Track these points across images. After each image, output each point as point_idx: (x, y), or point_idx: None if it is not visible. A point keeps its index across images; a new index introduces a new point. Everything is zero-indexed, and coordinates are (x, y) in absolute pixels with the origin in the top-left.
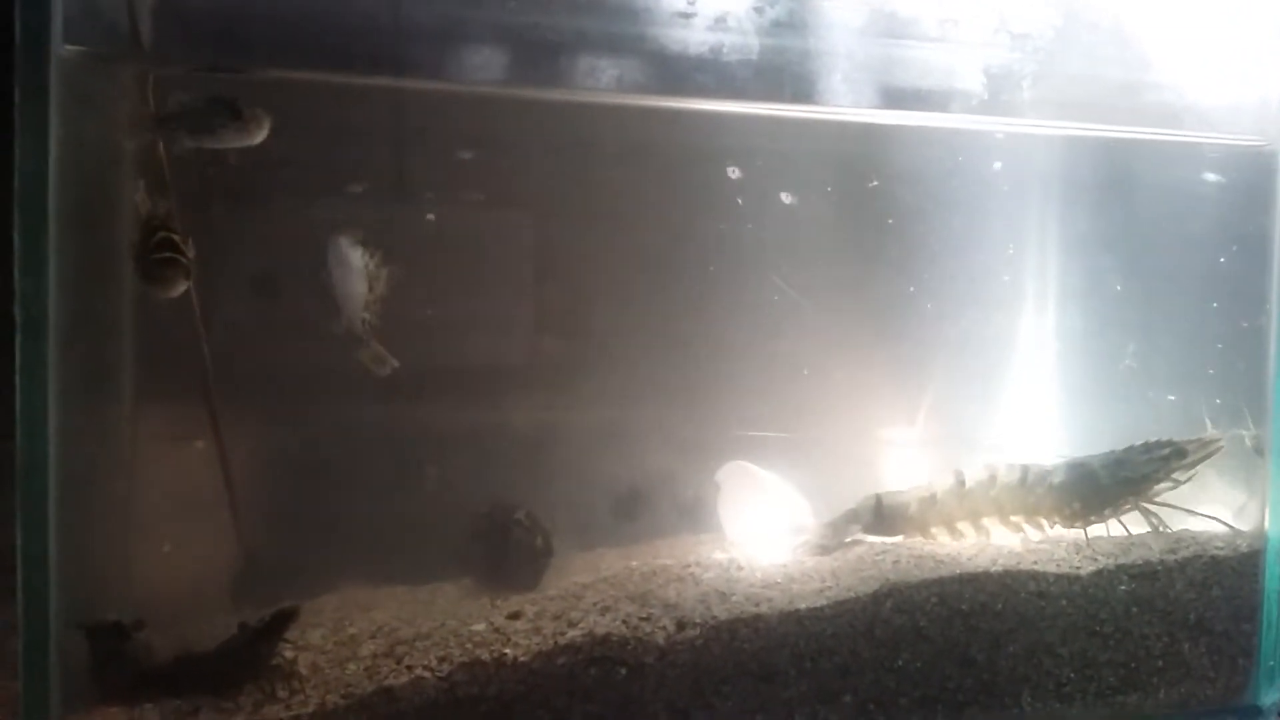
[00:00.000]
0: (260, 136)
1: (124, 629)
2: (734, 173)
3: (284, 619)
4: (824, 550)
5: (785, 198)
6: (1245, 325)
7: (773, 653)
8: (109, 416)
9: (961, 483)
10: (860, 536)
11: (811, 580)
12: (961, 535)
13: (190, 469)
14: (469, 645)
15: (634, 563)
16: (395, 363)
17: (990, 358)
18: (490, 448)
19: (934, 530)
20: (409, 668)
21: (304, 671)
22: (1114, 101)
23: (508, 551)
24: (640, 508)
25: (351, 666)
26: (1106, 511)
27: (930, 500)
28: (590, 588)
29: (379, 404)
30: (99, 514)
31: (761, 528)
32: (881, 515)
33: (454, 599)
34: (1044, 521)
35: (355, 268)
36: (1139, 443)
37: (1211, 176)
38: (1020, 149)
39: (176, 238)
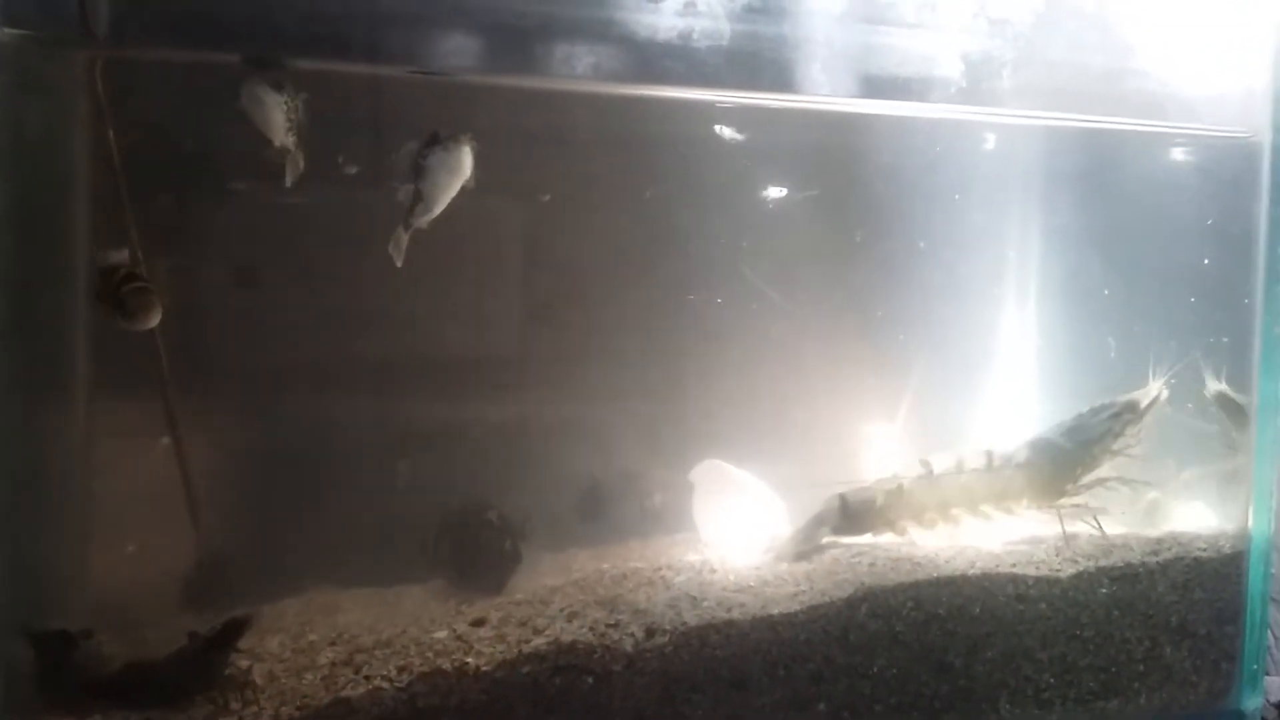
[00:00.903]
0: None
1: (71, 638)
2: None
3: (236, 628)
4: (797, 559)
5: (763, 189)
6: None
7: (745, 659)
8: (59, 413)
9: (929, 472)
10: (833, 539)
11: (785, 584)
12: (932, 526)
13: (147, 467)
14: (430, 654)
15: (605, 565)
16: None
17: (971, 352)
18: (460, 443)
19: (903, 524)
20: (367, 678)
21: (259, 681)
22: (1096, 89)
23: (475, 554)
24: (601, 508)
25: (309, 676)
26: (1078, 473)
27: (897, 492)
28: (558, 592)
29: (347, 397)
30: (47, 515)
31: (736, 529)
32: (848, 514)
33: (420, 602)
34: (1015, 505)
35: (271, 102)
36: (1086, 408)
37: (1194, 167)
38: (1001, 139)
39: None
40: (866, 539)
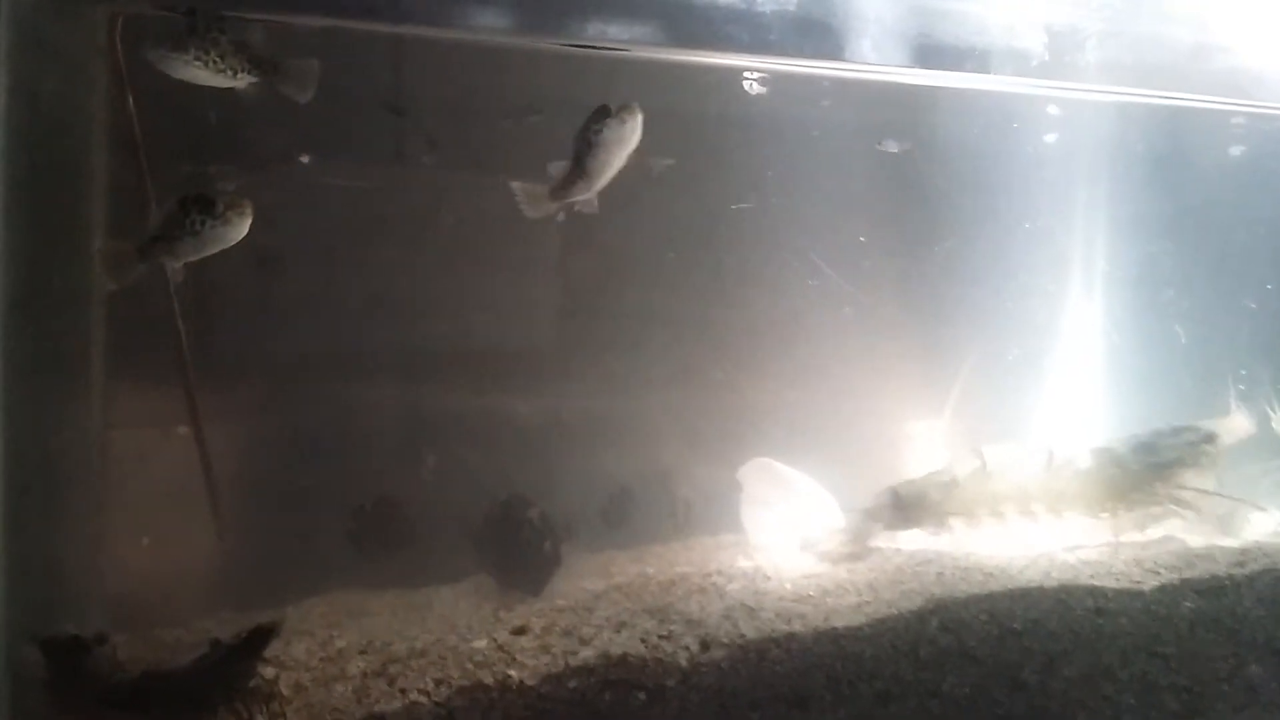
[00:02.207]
0: (244, 228)
1: (83, 643)
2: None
3: (262, 635)
4: (851, 558)
5: (812, 171)
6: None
7: (806, 676)
8: (72, 401)
9: (984, 466)
10: (885, 536)
11: (847, 594)
12: (981, 526)
13: (166, 458)
14: (469, 665)
15: (650, 569)
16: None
17: (1029, 343)
18: (490, 438)
19: (953, 520)
20: (402, 691)
21: (286, 693)
22: (1183, 66)
23: (515, 552)
24: (627, 513)
25: (339, 688)
26: (1135, 495)
27: (950, 486)
28: (603, 598)
29: (375, 387)
30: (59, 511)
31: (788, 531)
32: (900, 507)
33: (452, 605)
34: (1066, 510)
35: (177, 63)
36: (1166, 426)
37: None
38: (1079, 116)
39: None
40: (926, 541)
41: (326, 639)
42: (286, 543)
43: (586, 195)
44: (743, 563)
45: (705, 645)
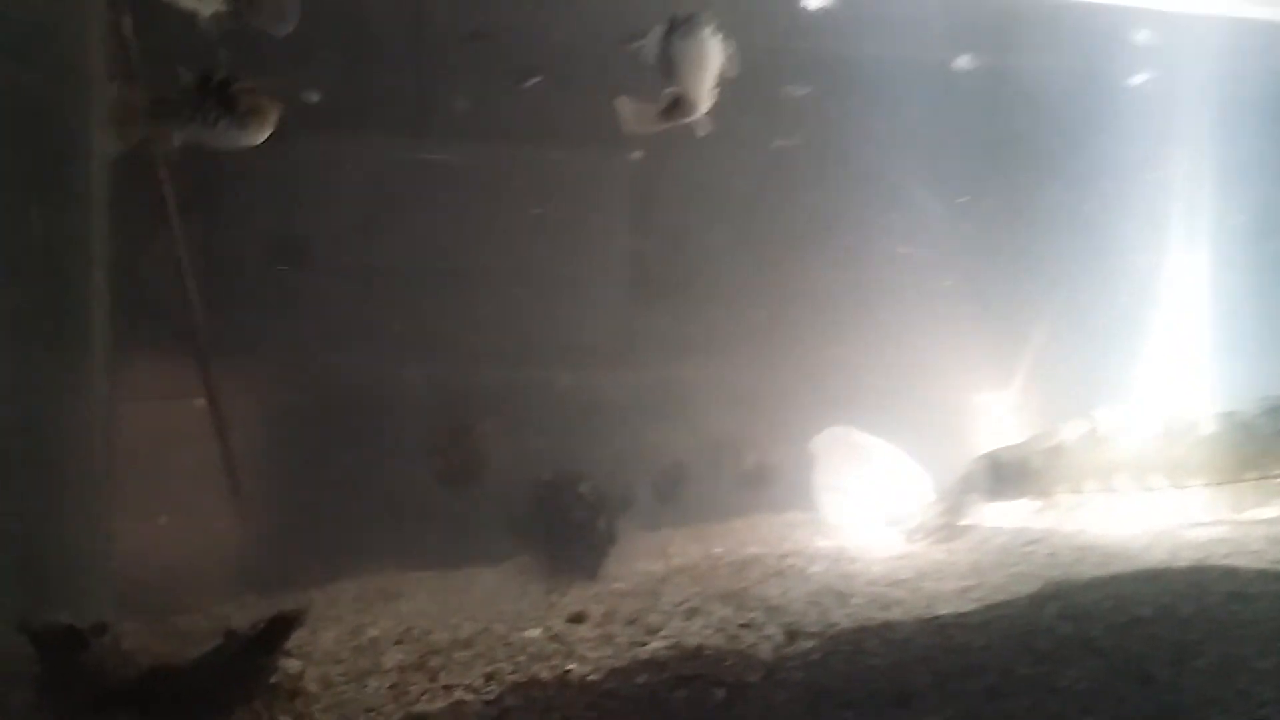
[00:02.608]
0: (259, 136)
1: (80, 635)
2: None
3: (284, 625)
4: (946, 535)
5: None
6: None
7: (908, 670)
8: (75, 370)
9: (1094, 430)
10: (979, 511)
11: (948, 576)
12: (1090, 498)
13: (180, 432)
14: (522, 657)
15: (717, 549)
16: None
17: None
18: (536, 409)
19: (1058, 491)
20: (446, 687)
21: (312, 689)
22: None
23: (566, 531)
24: (678, 488)
25: (373, 683)
26: (1268, 460)
27: (1056, 452)
28: (668, 582)
29: (408, 356)
30: (58, 488)
31: (870, 505)
32: (1000, 476)
33: (496, 589)
34: (1189, 481)
35: None
36: None
37: None
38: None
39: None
40: (1025, 517)
41: (358, 626)
42: (314, 521)
43: (693, 117)
44: (821, 542)
45: (791, 635)
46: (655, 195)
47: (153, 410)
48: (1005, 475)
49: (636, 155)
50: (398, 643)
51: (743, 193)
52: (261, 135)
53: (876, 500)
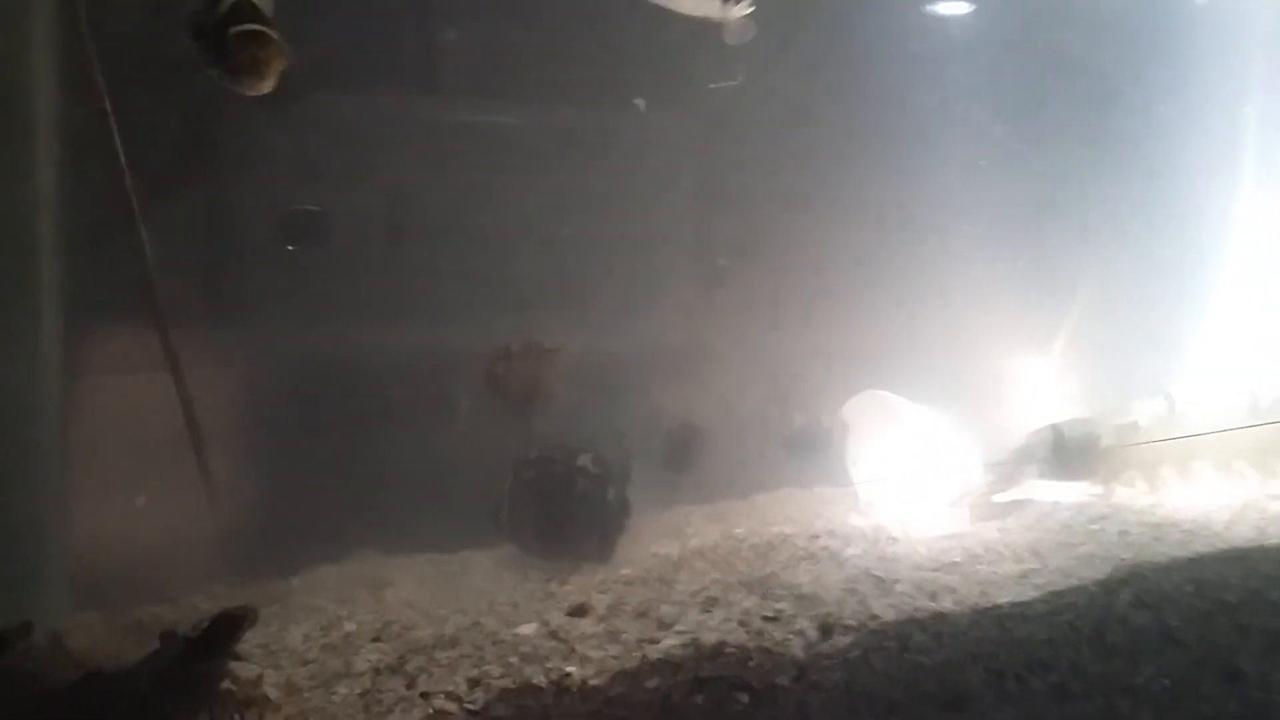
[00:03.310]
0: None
1: (2, 638)
2: None
3: (229, 626)
4: (999, 512)
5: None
6: None
7: (961, 669)
8: (23, 341)
9: (1172, 409)
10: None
11: (1003, 559)
12: (1164, 485)
13: (139, 407)
14: (514, 658)
15: (738, 529)
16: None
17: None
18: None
19: (1127, 475)
20: (425, 695)
21: (272, 696)
22: None
23: (569, 510)
24: (693, 456)
25: (342, 690)
26: None
27: (1128, 430)
28: (683, 567)
29: (395, 320)
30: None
31: (910, 478)
32: (1063, 450)
33: (491, 575)
34: None
35: None
36: None
37: None
38: None
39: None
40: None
41: (333, 620)
42: (295, 501)
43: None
44: (856, 520)
45: (826, 630)
46: (708, 159)
47: (110, 385)
48: (1069, 451)
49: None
50: (375, 640)
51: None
52: (260, 88)
53: (916, 473)
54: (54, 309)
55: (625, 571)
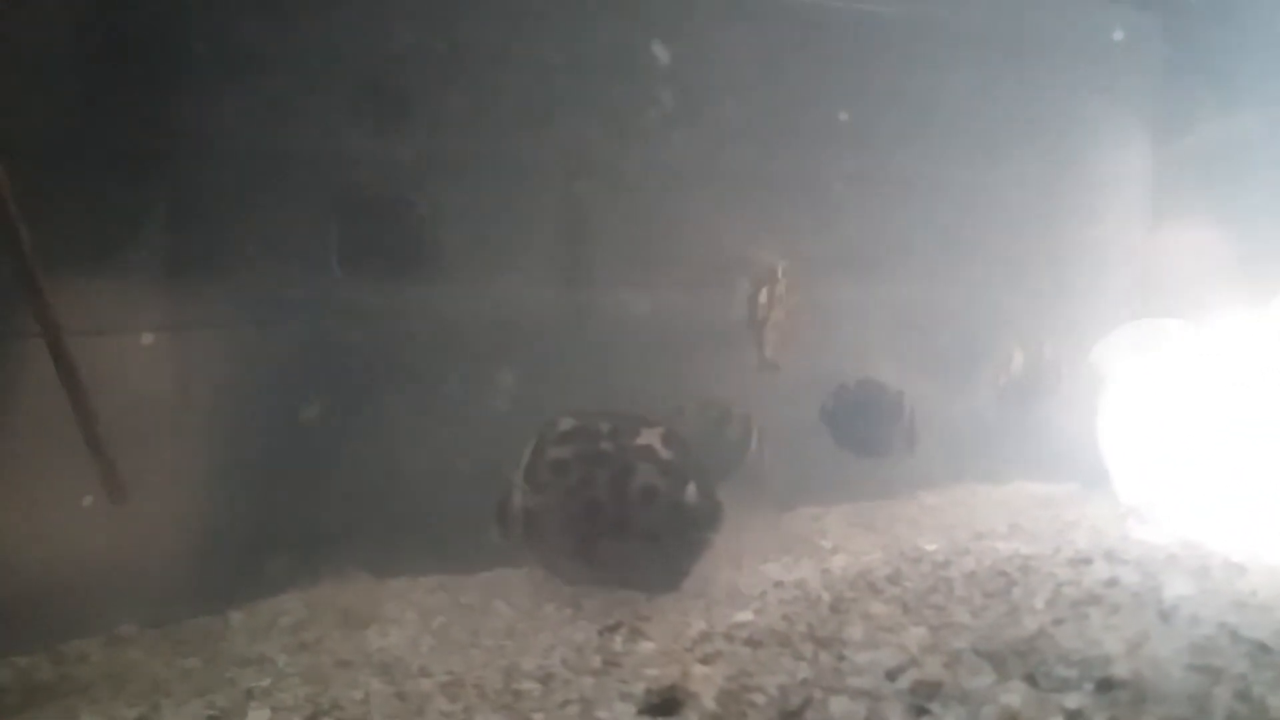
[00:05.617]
0: None
1: None
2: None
3: None
4: None
5: None
6: None
7: None
8: None
9: None
10: None
11: None
12: None
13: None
14: None
15: (929, 546)
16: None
17: None
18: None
19: None
20: None
21: None
22: None
23: (625, 513)
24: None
25: None
26: None
27: None
28: (839, 609)
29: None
30: None
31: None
32: None
33: (526, 616)
34: None
35: None
36: None
37: None
38: None
39: None
40: None
41: (266, 690)
42: (251, 503)
43: None
44: (1141, 531)
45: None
46: None
47: None
48: None
49: None
50: None
51: None
52: None
53: (1226, 451)
54: None
55: (740, 618)
